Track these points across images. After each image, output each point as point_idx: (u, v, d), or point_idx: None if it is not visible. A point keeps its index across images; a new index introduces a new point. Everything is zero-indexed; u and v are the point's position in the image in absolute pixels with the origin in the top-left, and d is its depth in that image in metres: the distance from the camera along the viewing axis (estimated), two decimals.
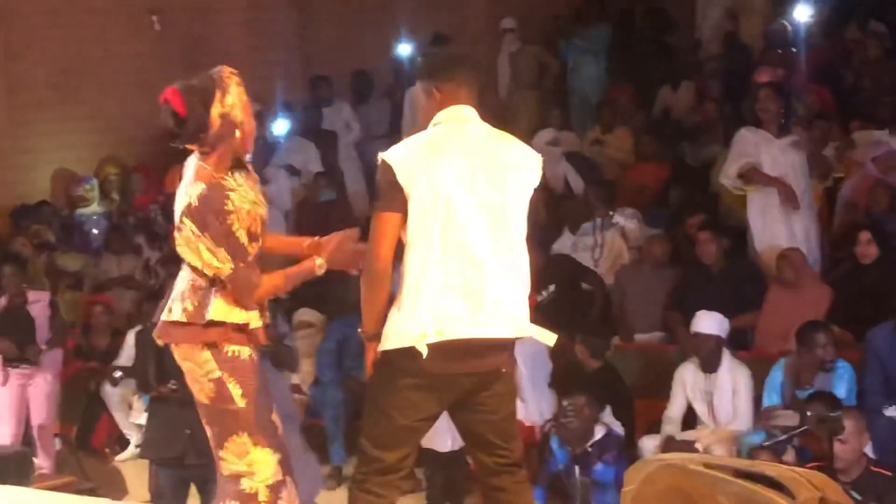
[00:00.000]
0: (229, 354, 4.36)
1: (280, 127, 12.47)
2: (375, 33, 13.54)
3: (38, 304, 9.14)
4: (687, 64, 13.16)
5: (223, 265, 4.27)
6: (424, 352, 4.06)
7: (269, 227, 4.51)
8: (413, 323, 4.10)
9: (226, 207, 4.28)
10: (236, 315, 4.36)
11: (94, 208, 11.85)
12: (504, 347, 4.26)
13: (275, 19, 13.13)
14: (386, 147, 4.30)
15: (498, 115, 13.97)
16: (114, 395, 9.36)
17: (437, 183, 4.11)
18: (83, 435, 9.56)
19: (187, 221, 4.26)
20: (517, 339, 4.29)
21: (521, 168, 4.26)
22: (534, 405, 8.07)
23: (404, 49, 13.41)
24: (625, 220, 9.86)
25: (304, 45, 13.34)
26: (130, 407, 9.32)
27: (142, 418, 8.62)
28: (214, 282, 4.34)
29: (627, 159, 11.62)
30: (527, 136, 12.43)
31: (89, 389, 9.53)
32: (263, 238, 4.43)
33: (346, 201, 11.76)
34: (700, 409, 7.70)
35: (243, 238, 4.32)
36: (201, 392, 4.39)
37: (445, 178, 4.13)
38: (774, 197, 8.56)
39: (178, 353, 4.41)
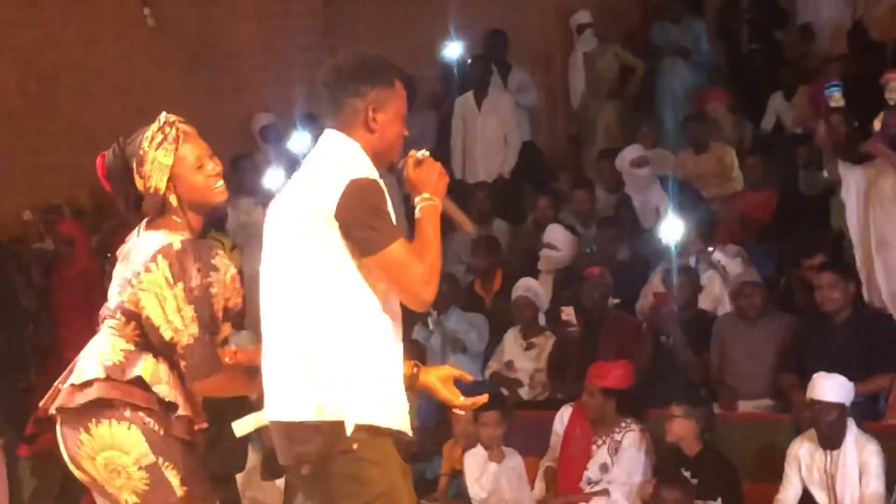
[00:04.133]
0: (161, 433, 4.33)
1: (300, 143, 12.51)
2: (418, 30, 13.62)
3: None
4: (801, 65, 13.11)
5: (185, 328, 4.26)
6: None
7: None
8: None
9: (212, 261, 4.34)
10: (166, 390, 4.34)
11: None
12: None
13: (296, 13, 13.19)
14: None
15: (570, 130, 14.14)
16: None
17: None
18: None
19: (162, 262, 4.27)
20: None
21: None
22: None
23: (454, 49, 13.46)
24: (726, 258, 9.82)
25: (332, 43, 13.41)
26: None
27: None
28: (154, 350, 4.32)
29: (728, 184, 11.59)
30: (606, 156, 12.50)
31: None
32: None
33: None
34: (819, 494, 7.68)
35: (219, 307, 4.35)
36: (125, 488, 4.37)
37: None
38: None
39: (92, 445, 4.39)
